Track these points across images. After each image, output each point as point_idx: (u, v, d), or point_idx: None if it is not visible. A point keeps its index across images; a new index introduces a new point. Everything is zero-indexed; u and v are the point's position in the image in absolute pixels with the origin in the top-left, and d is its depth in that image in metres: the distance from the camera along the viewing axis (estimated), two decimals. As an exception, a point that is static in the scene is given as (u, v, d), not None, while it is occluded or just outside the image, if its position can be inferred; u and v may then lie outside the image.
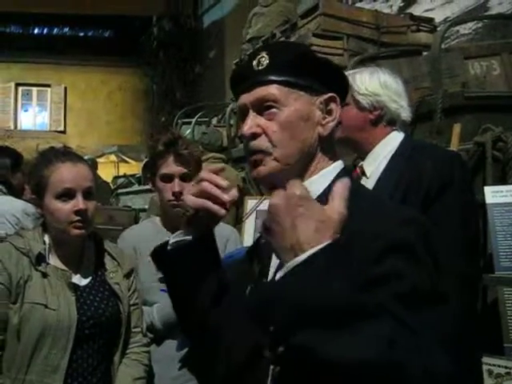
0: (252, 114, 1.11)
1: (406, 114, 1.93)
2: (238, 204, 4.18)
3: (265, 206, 3.66)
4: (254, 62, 1.11)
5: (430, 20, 5.77)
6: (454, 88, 3.42)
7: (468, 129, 2.97)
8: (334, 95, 1.11)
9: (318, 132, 1.11)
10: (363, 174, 1.91)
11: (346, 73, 1.90)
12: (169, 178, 2.08)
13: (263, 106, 1.09)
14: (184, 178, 2.08)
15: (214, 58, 14.04)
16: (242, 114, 1.14)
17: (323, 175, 1.11)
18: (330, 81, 1.12)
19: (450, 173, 1.75)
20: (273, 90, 1.08)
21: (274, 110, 1.09)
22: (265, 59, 1.10)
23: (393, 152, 1.87)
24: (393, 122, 1.92)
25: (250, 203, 3.81)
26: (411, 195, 1.72)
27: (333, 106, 1.11)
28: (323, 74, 1.11)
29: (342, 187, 0.91)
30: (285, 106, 1.08)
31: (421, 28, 5.49)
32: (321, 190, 1.08)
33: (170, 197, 2.08)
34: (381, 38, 5.14)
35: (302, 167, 1.11)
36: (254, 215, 3.71)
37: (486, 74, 3.72)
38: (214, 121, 7.41)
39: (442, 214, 1.68)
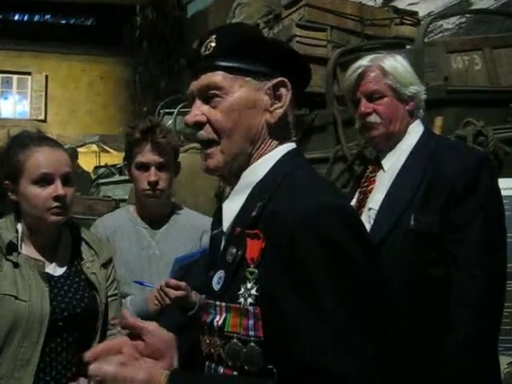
0: (198, 102, 1.09)
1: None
2: (219, 195, 4.16)
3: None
4: (203, 48, 1.08)
5: (414, 13, 5.77)
6: (437, 82, 3.43)
7: (449, 122, 2.98)
8: (284, 80, 1.07)
9: (266, 119, 1.07)
10: (380, 166, 1.81)
11: (368, 58, 1.80)
12: (145, 167, 2.04)
13: (208, 94, 1.07)
14: (160, 168, 2.04)
15: (197, 49, 13.94)
16: (191, 102, 1.11)
17: (263, 161, 1.07)
18: (281, 64, 1.07)
19: (477, 174, 1.65)
20: (217, 77, 1.06)
21: (218, 98, 1.06)
22: (212, 43, 1.07)
23: (413, 146, 1.76)
24: (418, 111, 1.82)
25: (231, 194, 3.79)
26: (434, 194, 1.64)
27: (283, 90, 1.07)
28: (273, 56, 1.07)
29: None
30: (228, 94, 1.05)
31: (404, 21, 5.49)
32: (258, 178, 1.06)
33: (145, 186, 2.04)
34: (364, 30, 5.12)
35: (247, 155, 1.08)
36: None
37: (468, 68, 3.73)
38: (197, 111, 7.36)
39: (464, 219, 1.62)
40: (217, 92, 1.05)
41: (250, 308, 0.94)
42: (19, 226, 1.75)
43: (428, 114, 3.10)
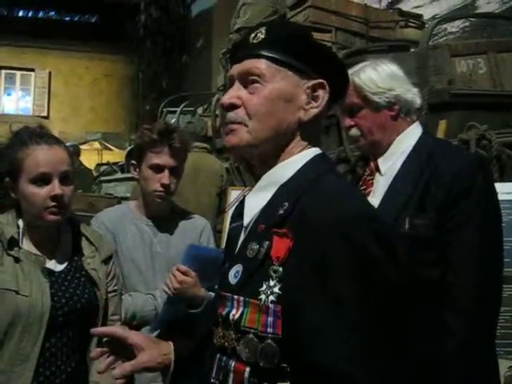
0: (236, 85, 1.11)
1: (419, 100, 1.84)
2: (221, 193, 4.16)
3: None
4: (251, 36, 1.11)
5: (419, 16, 5.78)
6: (441, 85, 3.43)
7: (453, 126, 2.98)
8: (323, 82, 1.09)
9: (299, 116, 1.09)
10: (377, 170, 1.81)
11: (350, 70, 1.78)
12: (159, 169, 2.06)
13: (249, 80, 1.09)
14: (172, 171, 2.07)
15: (201, 48, 13.95)
16: (230, 85, 1.13)
17: (291, 161, 1.09)
18: (323, 67, 1.10)
19: (471, 178, 1.64)
20: (260, 64, 1.08)
21: (257, 84, 1.08)
22: (261, 34, 1.10)
23: (410, 149, 1.76)
24: (409, 112, 1.82)
25: (234, 194, 3.80)
26: (429, 197, 1.64)
27: (320, 92, 1.09)
28: (317, 59, 1.10)
29: None
30: (268, 82, 1.07)
31: (409, 24, 5.51)
32: (286, 177, 1.07)
33: (157, 187, 2.06)
34: (369, 32, 5.14)
35: (275, 148, 1.09)
36: (236, 206, 3.69)
37: (472, 72, 3.73)
38: (200, 110, 7.38)
39: (459, 222, 1.61)
40: (258, 78, 1.07)
41: (271, 305, 0.95)
42: (20, 222, 1.75)
43: (432, 117, 3.12)
